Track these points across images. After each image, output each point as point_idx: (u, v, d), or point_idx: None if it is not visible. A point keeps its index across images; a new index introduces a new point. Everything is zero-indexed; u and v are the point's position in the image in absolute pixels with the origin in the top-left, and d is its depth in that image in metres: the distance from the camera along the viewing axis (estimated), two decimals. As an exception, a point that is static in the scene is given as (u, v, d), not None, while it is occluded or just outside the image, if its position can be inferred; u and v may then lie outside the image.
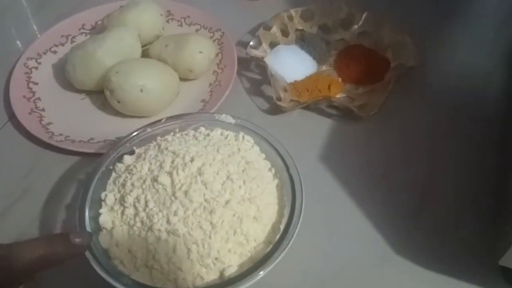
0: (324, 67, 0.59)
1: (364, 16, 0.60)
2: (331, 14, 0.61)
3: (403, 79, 0.55)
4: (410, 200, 0.47)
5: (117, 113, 0.54)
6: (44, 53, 0.60)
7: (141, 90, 0.51)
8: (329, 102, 0.54)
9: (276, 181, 0.43)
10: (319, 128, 0.53)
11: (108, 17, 0.60)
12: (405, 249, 0.43)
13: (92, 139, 0.52)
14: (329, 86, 0.55)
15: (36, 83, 0.57)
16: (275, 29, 0.60)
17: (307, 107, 0.54)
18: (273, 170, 0.44)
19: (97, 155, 0.50)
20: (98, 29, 0.62)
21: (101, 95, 0.55)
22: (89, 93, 0.57)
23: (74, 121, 0.54)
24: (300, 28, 0.61)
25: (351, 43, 0.61)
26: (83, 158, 0.50)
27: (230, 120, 0.46)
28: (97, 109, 0.56)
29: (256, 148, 0.45)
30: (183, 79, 0.57)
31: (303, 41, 0.60)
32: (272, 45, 0.60)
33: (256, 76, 0.59)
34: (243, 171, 0.41)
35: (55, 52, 0.61)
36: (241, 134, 0.45)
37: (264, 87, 0.57)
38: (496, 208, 0.45)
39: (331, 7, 0.61)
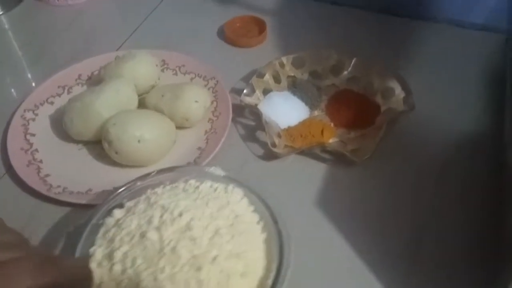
0: (316, 112, 0.60)
1: (353, 62, 0.62)
2: (321, 61, 0.63)
3: (395, 123, 0.57)
4: (405, 242, 0.48)
5: (114, 163, 0.55)
6: (41, 104, 0.61)
7: (139, 141, 0.52)
8: (323, 147, 0.55)
9: (264, 234, 0.42)
10: (313, 173, 0.54)
11: (105, 68, 0.61)
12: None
13: (90, 190, 0.52)
14: (322, 131, 0.57)
15: (34, 135, 0.58)
16: (267, 77, 0.62)
17: (301, 152, 0.55)
18: (261, 223, 0.43)
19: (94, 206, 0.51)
20: (95, 80, 0.64)
21: (98, 145, 0.55)
22: (86, 143, 0.57)
23: (72, 172, 0.54)
24: (292, 74, 0.63)
25: (341, 88, 0.62)
26: (81, 209, 0.51)
27: (220, 172, 0.47)
28: (94, 160, 0.56)
29: (245, 200, 0.45)
30: (179, 127, 0.58)
31: (295, 87, 0.62)
32: (265, 92, 0.61)
33: (250, 122, 0.60)
34: (231, 225, 0.41)
35: (52, 103, 0.62)
36: (230, 186, 0.45)
37: (259, 133, 0.58)
38: (492, 253, 0.45)
39: (321, 55, 0.63)
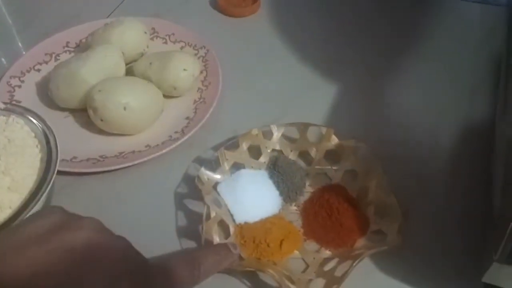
0: (290, 208, 0.47)
1: (352, 148, 0.49)
2: (320, 141, 0.50)
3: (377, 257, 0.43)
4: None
5: (100, 131, 0.54)
6: (28, 71, 0.60)
7: (125, 108, 0.51)
8: (267, 270, 0.40)
9: (40, 154, 0.45)
10: None
11: (92, 35, 0.60)
12: (390, 268, 0.43)
13: (75, 157, 0.51)
14: (281, 242, 0.44)
15: (19, 102, 0.57)
16: (243, 148, 0.50)
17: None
18: (39, 146, 0.46)
19: (80, 174, 0.50)
20: (83, 47, 0.62)
21: (85, 113, 0.54)
22: (72, 111, 0.56)
23: (57, 139, 0.53)
24: (278, 148, 0.51)
25: (333, 181, 0.49)
26: (66, 176, 0.50)
27: (0, 105, 0.48)
28: (80, 128, 0.55)
29: (26, 128, 0.47)
30: (167, 96, 0.56)
31: (275, 168, 0.49)
32: (236, 167, 0.49)
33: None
34: (3, 148, 0.44)
35: (38, 70, 0.60)
36: (12, 117, 0.47)
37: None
38: (482, 225, 0.45)
39: (320, 131, 0.51)
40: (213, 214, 0.45)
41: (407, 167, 0.50)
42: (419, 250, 0.44)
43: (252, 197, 0.47)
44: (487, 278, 0.37)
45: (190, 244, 0.45)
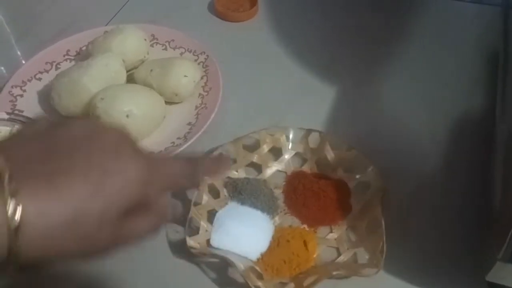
0: (277, 219, 0.48)
1: (291, 136, 0.52)
2: (256, 147, 0.52)
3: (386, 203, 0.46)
4: (396, 214, 0.47)
5: (103, 139, 0.54)
6: (29, 80, 0.60)
7: (127, 116, 0.51)
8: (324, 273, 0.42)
9: None
10: None
11: (93, 43, 0.60)
12: (391, 264, 0.43)
13: (79, 165, 0.51)
14: (304, 243, 0.45)
15: (22, 111, 0.57)
16: (205, 198, 0.48)
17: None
18: None
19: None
20: (83, 55, 0.63)
21: (87, 121, 0.55)
22: (75, 119, 0.57)
23: (61, 148, 0.54)
24: (227, 176, 0.50)
25: (289, 174, 0.51)
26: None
27: (4, 116, 0.49)
28: (83, 135, 0.55)
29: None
30: (168, 102, 0.57)
31: (241, 193, 0.48)
32: (211, 216, 0.47)
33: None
34: None
35: (40, 79, 0.61)
36: (16, 126, 0.48)
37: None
38: (482, 223, 0.45)
39: (254, 137, 0.52)
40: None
41: (405, 167, 0.51)
42: (420, 247, 0.45)
43: (248, 230, 0.46)
44: (491, 277, 0.38)
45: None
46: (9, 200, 0.24)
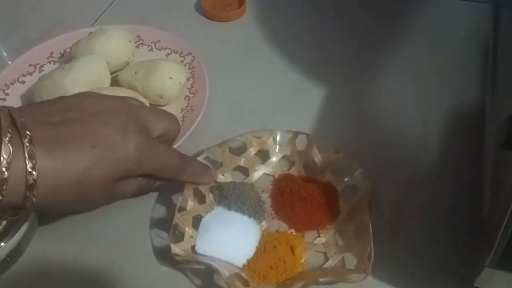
0: (264, 223, 0.47)
1: (278, 137, 0.51)
2: (242, 150, 0.51)
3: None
4: (384, 218, 0.47)
5: (87, 143, 0.53)
6: (12, 84, 0.59)
7: (110, 120, 0.50)
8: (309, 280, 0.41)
9: None
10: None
11: (76, 45, 0.59)
12: (379, 269, 0.42)
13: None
14: (291, 248, 0.44)
15: (4, 115, 0.56)
16: (190, 203, 0.47)
17: None
18: None
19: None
20: (67, 57, 0.61)
21: (71, 125, 0.54)
22: (58, 123, 0.56)
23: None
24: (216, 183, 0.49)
25: (277, 177, 0.50)
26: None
27: None
28: (66, 140, 0.54)
29: None
30: (154, 105, 0.56)
31: (227, 198, 0.47)
32: (196, 222, 0.46)
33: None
34: None
35: (23, 82, 0.59)
36: None
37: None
38: (472, 228, 0.45)
39: (240, 140, 0.51)
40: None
41: (394, 169, 0.50)
42: (409, 252, 0.44)
43: (234, 235, 0.45)
44: (479, 283, 0.37)
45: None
46: (27, 160, 0.30)
